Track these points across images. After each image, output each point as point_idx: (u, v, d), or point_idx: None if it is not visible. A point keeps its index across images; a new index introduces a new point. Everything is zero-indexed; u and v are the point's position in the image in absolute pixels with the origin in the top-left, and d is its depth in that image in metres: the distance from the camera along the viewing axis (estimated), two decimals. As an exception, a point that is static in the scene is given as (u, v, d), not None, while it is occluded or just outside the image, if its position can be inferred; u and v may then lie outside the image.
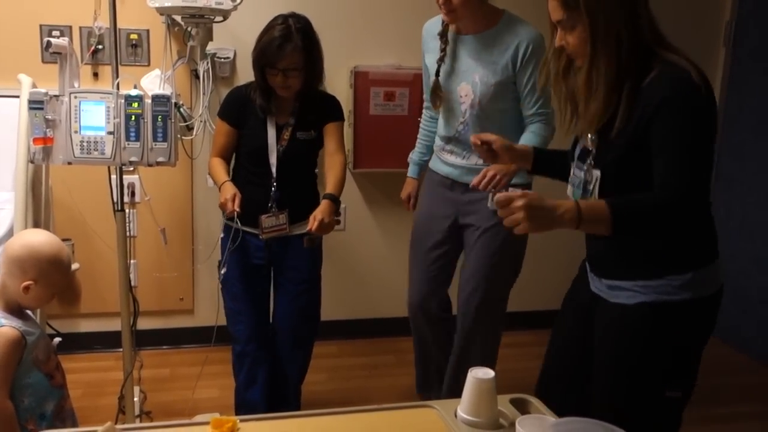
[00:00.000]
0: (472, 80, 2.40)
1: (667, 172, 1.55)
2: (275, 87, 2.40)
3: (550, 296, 3.68)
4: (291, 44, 2.33)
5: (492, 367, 2.45)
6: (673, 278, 1.62)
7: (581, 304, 1.85)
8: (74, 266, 1.83)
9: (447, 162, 2.57)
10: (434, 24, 2.53)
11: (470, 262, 2.59)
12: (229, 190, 2.38)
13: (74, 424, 1.86)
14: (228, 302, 2.59)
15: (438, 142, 2.62)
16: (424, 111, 2.76)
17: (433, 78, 2.49)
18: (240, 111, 2.49)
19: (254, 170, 2.48)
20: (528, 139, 2.40)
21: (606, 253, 1.74)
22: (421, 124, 2.78)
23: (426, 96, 2.67)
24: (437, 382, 2.76)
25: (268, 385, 2.63)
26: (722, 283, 1.69)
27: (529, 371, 3.21)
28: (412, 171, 2.80)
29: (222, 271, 2.52)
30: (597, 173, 1.66)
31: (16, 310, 1.77)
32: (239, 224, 2.37)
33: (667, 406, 1.69)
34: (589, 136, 1.69)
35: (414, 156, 2.80)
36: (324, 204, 2.35)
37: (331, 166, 2.47)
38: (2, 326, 1.69)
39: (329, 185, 2.42)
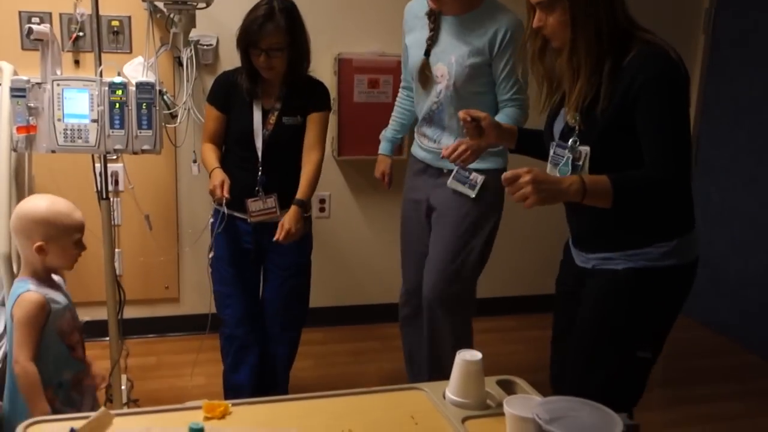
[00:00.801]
0: (448, 60, 2.41)
1: (658, 152, 1.64)
2: (259, 68, 2.39)
3: (531, 281, 3.74)
4: (273, 23, 2.33)
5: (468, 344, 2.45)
6: (659, 245, 1.72)
7: (571, 283, 1.91)
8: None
9: (423, 147, 2.60)
10: (418, 3, 2.54)
11: (432, 245, 2.59)
12: (218, 176, 2.40)
13: (94, 402, 1.91)
14: (216, 285, 2.59)
15: (417, 124, 2.64)
16: (400, 90, 2.78)
17: (422, 57, 2.48)
18: (227, 95, 2.50)
19: (241, 154, 2.49)
20: (500, 120, 2.40)
21: (592, 230, 1.81)
22: (396, 103, 2.80)
23: (404, 75, 2.70)
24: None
25: (256, 369, 2.64)
26: (698, 252, 1.79)
27: (513, 355, 3.28)
28: (383, 148, 2.81)
29: (210, 255, 2.54)
30: (586, 149, 1.72)
31: (46, 279, 1.82)
32: (226, 210, 2.39)
33: (636, 365, 1.78)
34: (573, 114, 1.74)
35: (387, 133, 2.82)
36: (291, 211, 2.39)
37: (306, 162, 2.47)
38: (28, 290, 1.75)
39: (300, 187, 2.44)
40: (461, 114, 1.92)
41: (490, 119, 1.92)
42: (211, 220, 2.57)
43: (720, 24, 3.78)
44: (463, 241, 2.53)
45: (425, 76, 2.49)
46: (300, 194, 2.44)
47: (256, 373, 2.65)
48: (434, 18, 2.45)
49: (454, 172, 2.48)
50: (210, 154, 2.50)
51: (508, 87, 2.43)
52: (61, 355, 1.79)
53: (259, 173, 2.46)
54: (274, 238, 2.35)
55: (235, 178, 2.41)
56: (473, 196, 2.49)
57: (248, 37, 2.35)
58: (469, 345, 2.64)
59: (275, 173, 2.47)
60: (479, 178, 2.48)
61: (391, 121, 2.82)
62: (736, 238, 3.63)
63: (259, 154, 2.46)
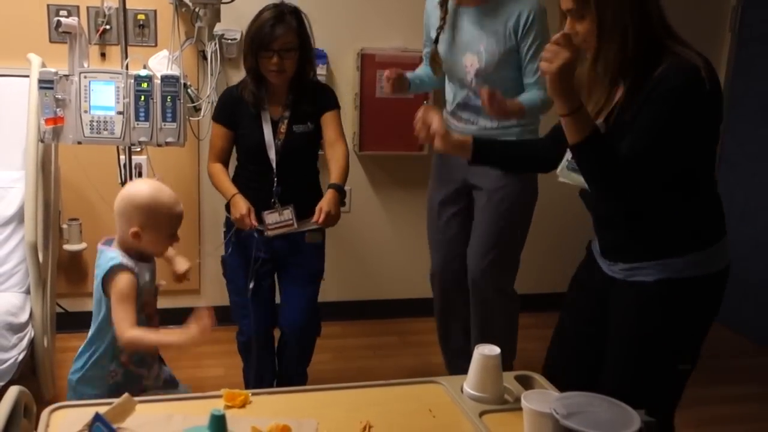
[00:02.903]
0: (477, 50, 2.43)
1: (631, 144, 1.59)
2: (269, 73, 2.36)
3: (551, 279, 3.72)
4: (284, 24, 2.32)
5: (513, 334, 2.44)
6: (690, 255, 1.68)
7: (593, 288, 1.87)
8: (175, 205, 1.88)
9: (456, 129, 2.58)
10: None
11: (478, 222, 2.62)
12: (243, 204, 2.37)
13: (161, 365, 1.97)
14: (232, 296, 2.61)
15: (447, 108, 2.66)
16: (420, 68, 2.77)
17: (432, 46, 2.51)
18: (234, 111, 2.47)
19: (255, 169, 2.46)
20: (524, 97, 2.42)
21: (625, 242, 1.77)
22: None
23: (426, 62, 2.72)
24: (461, 360, 2.78)
25: (272, 374, 2.68)
26: (729, 258, 1.76)
27: (532, 352, 3.25)
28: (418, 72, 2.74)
29: (224, 253, 2.57)
30: None
31: (135, 252, 1.85)
32: (270, 235, 2.42)
33: (677, 378, 1.76)
34: (599, 122, 1.72)
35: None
36: (329, 194, 2.34)
37: (333, 155, 2.44)
38: (119, 264, 1.78)
39: (333, 175, 2.40)
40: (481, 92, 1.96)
41: (442, 126, 1.89)
42: (224, 229, 2.59)
43: (746, 22, 3.74)
44: (510, 218, 2.58)
45: (435, 63, 2.51)
46: (334, 179, 2.39)
47: (273, 378, 2.69)
48: (445, 8, 2.47)
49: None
50: (222, 177, 2.47)
51: (534, 70, 2.42)
52: (140, 324, 1.82)
53: (275, 185, 2.42)
54: (313, 220, 2.30)
55: (250, 194, 2.40)
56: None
57: (260, 39, 2.32)
58: (516, 325, 2.73)
59: (290, 184, 2.44)
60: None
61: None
62: (759, 237, 3.59)
63: (274, 165, 2.42)
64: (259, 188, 2.43)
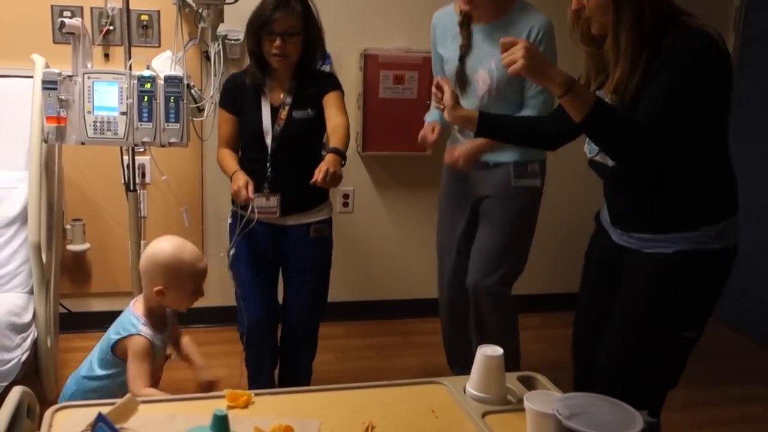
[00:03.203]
0: (488, 66, 2.44)
1: (647, 105, 1.63)
2: (271, 56, 2.34)
3: (555, 279, 3.72)
4: (288, 7, 2.30)
5: (515, 342, 2.47)
6: (707, 229, 1.73)
7: (604, 258, 1.92)
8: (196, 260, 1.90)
9: (466, 137, 2.58)
10: (446, 15, 2.57)
11: (482, 236, 2.62)
12: (241, 178, 2.35)
13: None
14: (236, 288, 2.61)
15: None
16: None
17: (457, 65, 2.50)
18: (236, 96, 2.46)
19: (253, 155, 2.45)
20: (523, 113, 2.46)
21: (633, 211, 1.81)
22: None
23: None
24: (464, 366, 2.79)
25: (273, 369, 2.68)
26: (740, 235, 1.81)
27: (535, 353, 3.26)
28: (432, 115, 2.71)
29: (231, 252, 2.54)
30: None
31: (158, 317, 1.89)
32: (256, 211, 2.37)
33: (681, 345, 1.81)
34: (611, 97, 1.75)
35: (430, 113, 2.78)
36: (329, 156, 2.22)
37: (335, 128, 2.35)
38: (138, 334, 1.82)
39: (333, 141, 2.31)
40: (434, 81, 2.00)
41: (452, 98, 1.94)
42: (230, 221, 2.57)
43: (750, 22, 3.73)
44: (513, 230, 2.58)
45: (462, 80, 2.51)
46: (334, 144, 2.28)
47: (273, 373, 2.69)
48: (467, 27, 2.48)
49: (513, 169, 2.51)
50: (228, 158, 2.46)
51: (534, 86, 2.43)
52: None
53: (269, 170, 2.41)
54: (311, 181, 2.15)
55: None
56: (539, 184, 2.57)
57: (262, 20, 2.30)
58: (516, 337, 2.71)
59: (285, 171, 2.41)
60: (536, 166, 2.54)
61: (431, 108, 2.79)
62: (763, 238, 3.58)
63: (269, 151, 2.41)
64: (257, 174, 2.40)
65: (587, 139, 1.84)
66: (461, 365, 2.80)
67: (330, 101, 2.41)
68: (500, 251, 2.58)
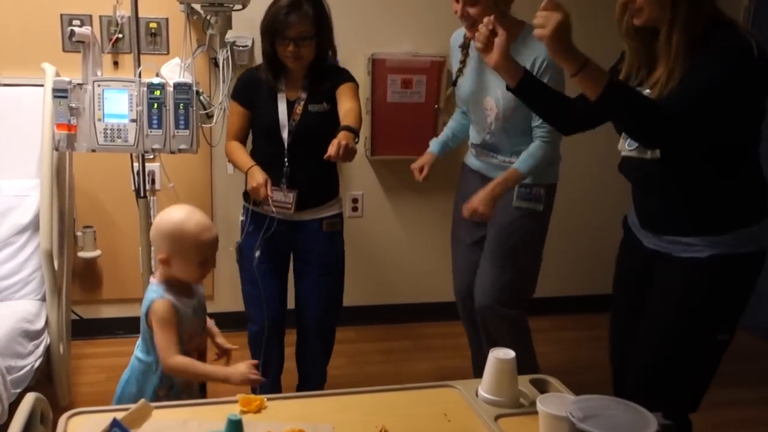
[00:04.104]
0: (495, 95, 2.43)
1: (671, 93, 1.63)
2: (286, 58, 2.36)
3: (566, 283, 3.71)
4: (300, 12, 2.31)
5: (531, 358, 2.45)
6: (740, 231, 1.74)
7: (636, 263, 1.93)
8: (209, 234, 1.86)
9: (478, 159, 2.61)
10: (460, 36, 2.57)
11: (486, 253, 2.60)
12: (259, 174, 2.36)
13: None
14: (245, 285, 2.61)
15: (470, 142, 2.67)
16: (456, 109, 2.78)
17: (451, 88, 2.53)
18: (251, 91, 2.48)
19: (268, 150, 2.46)
20: (522, 160, 2.42)
21: (665, 211, 1.81)
22: (452, 117, 2.81)
23: (458, 102, 2.72)
24: None
25: (281, 368, 2.68)
26: None
27: (547, 356, 3.25)
28: (433, 146, 2.75)
29: (236, 247, 2.56)
30: None
31: (177, 286, 1.85)
32: (274, 211, 2.38)
33: (715, 348, 1.82)
34: (647, 91, 1.74)
35: (439, 137, 2.79)
36: (342, 132, 2.21)
37: (346, 111, 2.35)
38: (160, 298, 1.80)
39: (346, 121, 2.30)
40: (485, 21, 1.88)
41: (506, 43, 1.85)
42: (242, 218, 2.57)
43: (759, 20, 3.71)
44: (515, 251, 2.54)
45: (450, 104, 2.51)
46: (346, 122, 2.28)
47: (280, 378, 2.69)
48: (466, 51, 2.49)
49: (516, 191, 2.49)
50: (240, 152, 2.47)
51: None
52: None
53: (286, 165, 2.42)
54: (326, 156, 2.14)
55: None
56: (541, 209, 2.53)
57: (275, 26, 2.31)
58: (532, 353, 2.68)
59: (302, 165, 2.42)
60: (542, 191, 2.51)
61: (445, 129, 2.80)
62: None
63: (286, 145, 2.42)
64: (272, 169, 2.41)
65: (623, 135, 1.84)
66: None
67: (343, 91, 2.43)
68: (500, 275, 2.55)
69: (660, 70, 1.70)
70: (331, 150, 2.13)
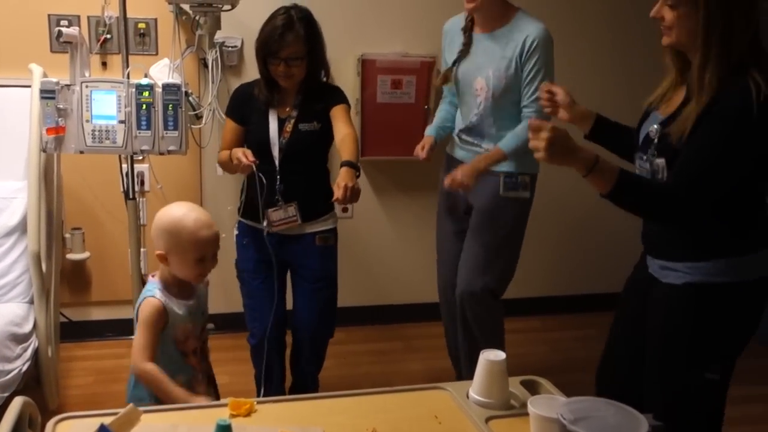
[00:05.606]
0: (486, 75, 2.47)
1: (681, 167, 1.61)
2: (277, 77, 2.40)
3: (557, 282, 3.72)
4: (293, 33, 2.34)
5: (500, 347, 2.49)
6: (717, 261, 1.66)
7: (639, 287, 1.88)
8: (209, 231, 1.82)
9: (462, 147, 2.65)
10: (455, 23, 2.62)
11: (470, 239, 2.64)
12: (237, 149, 2.39)
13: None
14: (245, 298, 2.63)
15: (456, 132, 2.69)
16: (441, 102, 2.81)
17: (452, 66, 2.56)
18: (244, 107, 2.50)
19: (261, 167, 2.44)
20: (507, 139, 2.47)
21: (659, 232, 1.78)
22: (438, 110, 2.82)
23: (445, 91, 2.76)
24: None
25: (282, 378, 2.69)
26: (766, 273, 1.71)
27: (536, 356, 3.26)
28: (429, 130, 2.76)
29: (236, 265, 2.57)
30: (661, 162, 1.69)
31: (175, 285, 1.83)
32: (263, 179, 2.38)
33: (706, 388, 1.73)
34: (654, 127, 1.72)
35: (432, 125, 2.80)
36: (344, 171, 2.22)
37: (343, 140, 2.36)
38: (152, 296, 1.78)
39: (345, 154, 2.32)
40: (540, 92, 2.00)
41: (565, 96, 1.94)
42: (236, 233, 2.59)
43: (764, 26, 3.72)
44: (500, 240, 2.59)
45: (448, 81, 2.56)
46: (346, 156, 2.29)
47: (283, 382, 2.70)
48: (468, 34, 2.53)
49: (503, 181, 2.52)
50: (226, 152, 2.48)
51: (529, 93, 2.46)
52: (175, 360, 1.82)
53: (278, 182, 2.44)
54: (333, 199, 2.18)
55: (255, 191, 2.40)
56: (527, 196, 2.57)
57: (268, 47, 2.36)
58: (502, 344, 2.68)
59: (295, 182, 2.45)
60: (527, 179, 2.55)
61: (435, 118, 2.81)
62: None
63: (277, 163, 2.43)
64: (266, 185, 2.41)
65: (636, 156, 1.81)
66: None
67: (337, 114, 2.46)
68: (485, 261, 2.59)
69: (691, 105, 1.62)
70: (338, 194, 2.15)
